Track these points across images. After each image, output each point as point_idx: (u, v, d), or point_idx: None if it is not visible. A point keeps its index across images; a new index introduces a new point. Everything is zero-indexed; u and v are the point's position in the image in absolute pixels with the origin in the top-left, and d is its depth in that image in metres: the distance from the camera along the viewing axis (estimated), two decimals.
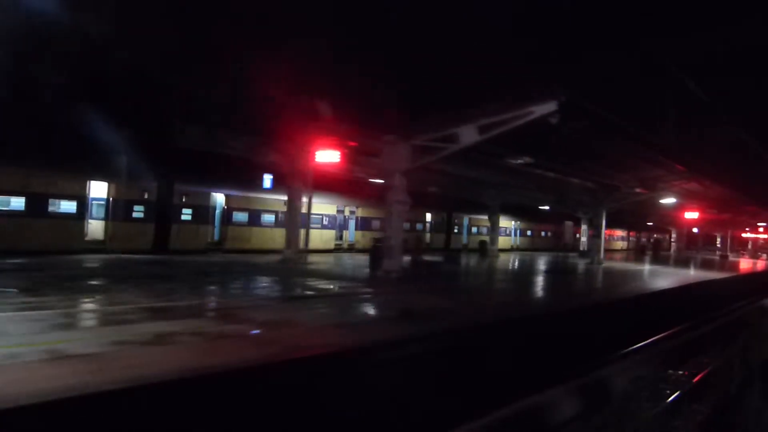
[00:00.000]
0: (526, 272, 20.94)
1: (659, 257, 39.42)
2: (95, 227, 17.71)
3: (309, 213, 18.79)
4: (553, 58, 12.09)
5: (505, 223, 37.16)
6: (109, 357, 5.56)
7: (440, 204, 30.10)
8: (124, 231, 17.78)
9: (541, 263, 26.52)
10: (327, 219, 25.66)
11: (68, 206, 16.82)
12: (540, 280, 17.85)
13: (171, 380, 4.96)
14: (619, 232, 54.33)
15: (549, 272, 20.47)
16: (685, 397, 7.46)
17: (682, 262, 34.56)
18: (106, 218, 17.68)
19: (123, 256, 16.52)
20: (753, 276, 30.95)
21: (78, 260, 15.07)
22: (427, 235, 31.38)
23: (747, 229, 57.51)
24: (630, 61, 13.92)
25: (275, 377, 5.48)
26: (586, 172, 21.87)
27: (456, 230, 34.96)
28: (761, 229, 55.99)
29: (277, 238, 22.37)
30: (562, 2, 10.55)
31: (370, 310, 9.97)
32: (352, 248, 27.13)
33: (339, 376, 6.06)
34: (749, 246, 64.47)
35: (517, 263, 26.08)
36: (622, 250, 53.18)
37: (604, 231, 27.14)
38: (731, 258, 47.92)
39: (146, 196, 18.47)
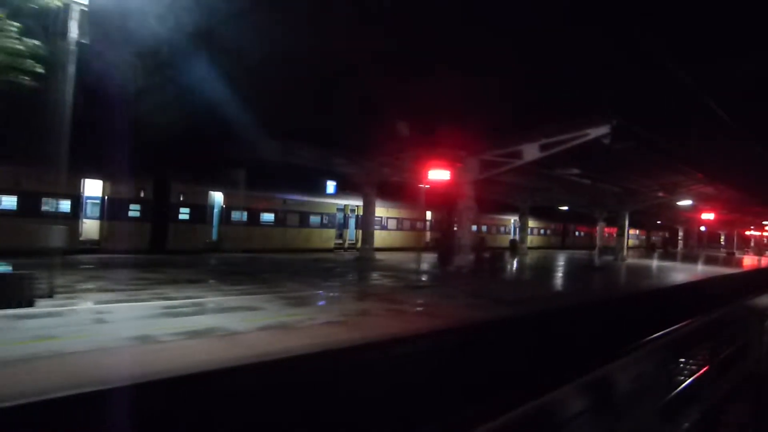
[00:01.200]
0: (565, 267, 23.58)
1: (672, 254, 42.04)
2: (90, 227, 17.25)
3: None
4: (607, 92, 14.83)
5: (506, 221, 38.48)
6: (353, 323, 8.17)
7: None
8: (120, 231, 17.18)
9: (571, 260, 29.10)
10: (327, 218, 24.73)
11: (61, 205, 16.15)
12: (584, 274, 20.44)
13: (414, 334, 7.60)
14: (631, 231, 56.92)
15: (586, 267, 23.11)
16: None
17: (697, 259, 37.17)
18: (101, 218, 17.14)
19: (148, 256, 16.68)
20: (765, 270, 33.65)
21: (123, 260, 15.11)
22: (428, 234, 30.83)
23: (752, 227, 60.33)
24: (662, 84, 16.62)
25: (470, 333, 8.12)
26: (615, 179, 24.52)
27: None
28: None
29: (279, 238, 22.42)
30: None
31: (474, 297, 12.54)
32: (353, 247, 25.82)
33: (496, 335, 8.71)
34: (752, 243, 67.38)
35: (549, 260, 28.64)
36: (634, 247, 55.78)
37: (627, 230, 29.77)
38: (738, 255, 50.57)
39: (142, 195, 18.04)
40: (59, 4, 7.81)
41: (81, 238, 16.81)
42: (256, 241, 21.59)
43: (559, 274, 20.65)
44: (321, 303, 9.99)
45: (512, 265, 23.19)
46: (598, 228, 40.00)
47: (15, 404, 3.98)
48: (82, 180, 16.74)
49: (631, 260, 30.50)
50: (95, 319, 6.98)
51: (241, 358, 5.63)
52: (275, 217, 22.63)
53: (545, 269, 22.12)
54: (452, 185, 17.98)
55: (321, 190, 24.98)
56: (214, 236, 20.63)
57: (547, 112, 15.60)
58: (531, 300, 11.92)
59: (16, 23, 7.38)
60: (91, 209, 17.27)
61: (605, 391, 6.12)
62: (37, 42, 7.62)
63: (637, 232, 60.08)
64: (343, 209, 25.76)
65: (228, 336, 6.66)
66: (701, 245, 54.44)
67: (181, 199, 19.26)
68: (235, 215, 21.13)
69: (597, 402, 5.53)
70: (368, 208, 19.98)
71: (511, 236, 40.79)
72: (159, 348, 5.84)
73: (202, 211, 19.81)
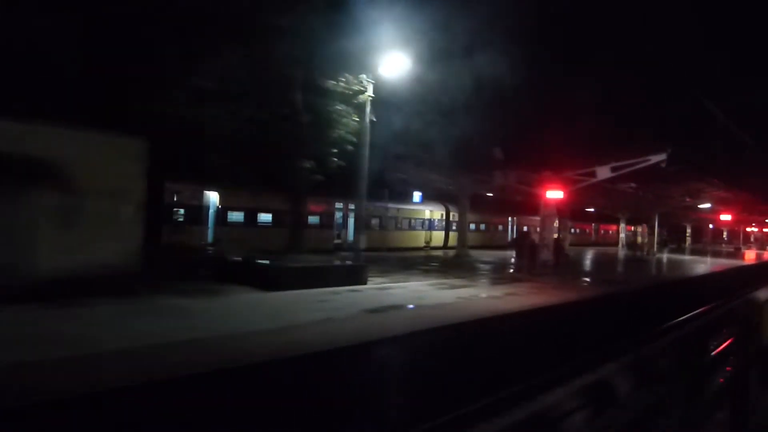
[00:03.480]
0: (615, 260, 28.72)
1: (686, 249, 47.19)
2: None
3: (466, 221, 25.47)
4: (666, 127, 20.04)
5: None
6: (540, 294, 13.07)
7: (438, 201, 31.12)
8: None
9: (609, 254, 34.16)
10: (326, 218, 24.80)
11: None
12: (638, 264, 25.61)
13: (584, 299, 12.57)
14: (640, 228, 61.93)
15: (630, 261, 28.26)
16: None
17: (712, 253, 42.28)
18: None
19: None
20: None
21: None
22: (428, 233, 31.14)
23: (753, 224, 65.84)
24: (702, 120, 21.84)
25: (603, 302, 13.14)
26: (653, 187, 29.60)
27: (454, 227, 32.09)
28: None
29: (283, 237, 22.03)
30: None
31: (581, 280, 17.45)
32: (353, 247, 26.03)
33: (624, 301, 13.69)
34: (752, 239, 73.00)
35: (594, 255, 33.64)
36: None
37: (657, 229, 34.93)
38: (744, 249, 55.86)
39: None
40: (366, 98, 12.73)
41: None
42: (256, 242, 19.77)
43: (618, 264, 25.83)
44: (499, 285, 14.90)
45: (575, 259, 28.23)
46: (620, 227, 45.14)
47: (489, 316, 8.92)
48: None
49: (658, 255, 35.61)
50: (413, 291, 11.92)
51: (522, 306, 10.57)
52: (273, 218, 21.76)
53: (604, 262, 27.25)
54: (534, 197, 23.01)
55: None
56: (210, 238, 19.72)
57: (619, 142, 20.79)
58: (630, 281, 16.98)
59: (354, 114, 12.31)
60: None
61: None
62: (358, 122, 12.57)
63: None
64: (342, 208, 25.67)
65: (493, 298, 11.62)
66: (707, 240, 59.73)
67: (175, 199, 19.05)
68: (232, 216, 20.84)
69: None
70: (463, 215, 25.04)
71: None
72: (485, 302, 10.80)
73: (197, 211, 19.58)
